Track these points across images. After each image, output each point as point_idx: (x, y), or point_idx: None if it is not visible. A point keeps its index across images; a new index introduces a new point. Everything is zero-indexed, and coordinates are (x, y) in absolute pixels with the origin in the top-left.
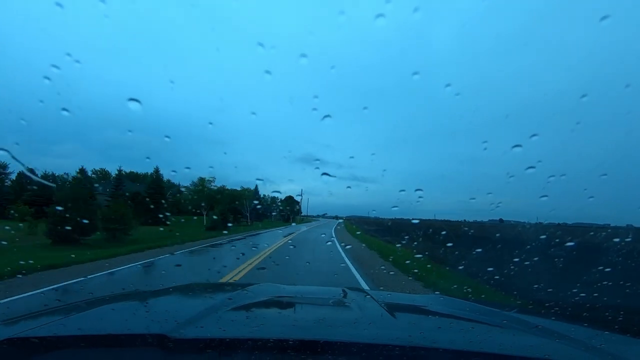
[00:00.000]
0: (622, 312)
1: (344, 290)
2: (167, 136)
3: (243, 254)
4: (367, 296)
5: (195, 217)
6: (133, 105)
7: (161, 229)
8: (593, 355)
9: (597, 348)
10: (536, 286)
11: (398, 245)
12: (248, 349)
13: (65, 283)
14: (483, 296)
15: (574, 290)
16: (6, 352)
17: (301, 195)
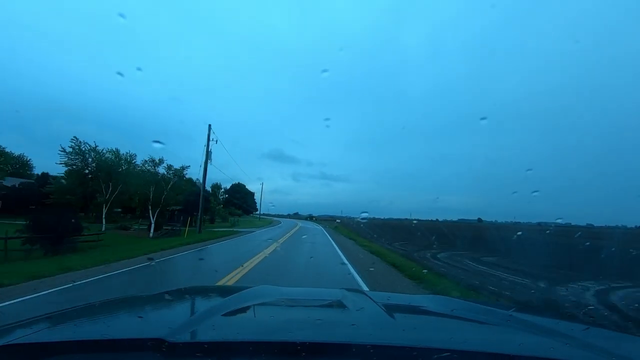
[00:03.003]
0: (618, 311)
1: (342, 292)
2: (157, 141)
3: None
4: (366, 297)
5: None
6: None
7: None
8: (592, 353)
9: (596, 346)
10: None
11: None
12: (246, 352)
13: None
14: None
15: None
16: (3, 359)
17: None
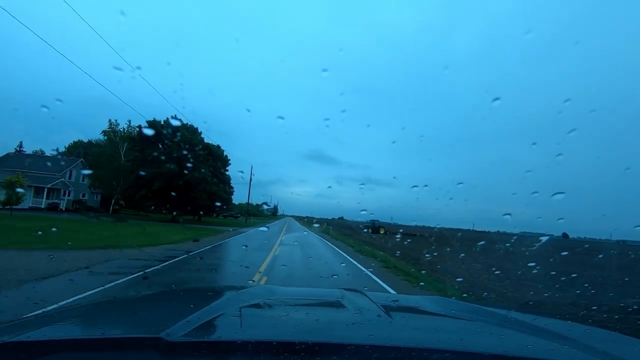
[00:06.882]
0: (618, 312)
1: (341, 292)
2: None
3: None
4: (365, 297)
5: None
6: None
7: None
8: (590, 355)
9: (594, 347)
10: None
11: None
12: (245, 351)
13: None
14: (485, 294)
15: None
16: (0, 357)
17: None
